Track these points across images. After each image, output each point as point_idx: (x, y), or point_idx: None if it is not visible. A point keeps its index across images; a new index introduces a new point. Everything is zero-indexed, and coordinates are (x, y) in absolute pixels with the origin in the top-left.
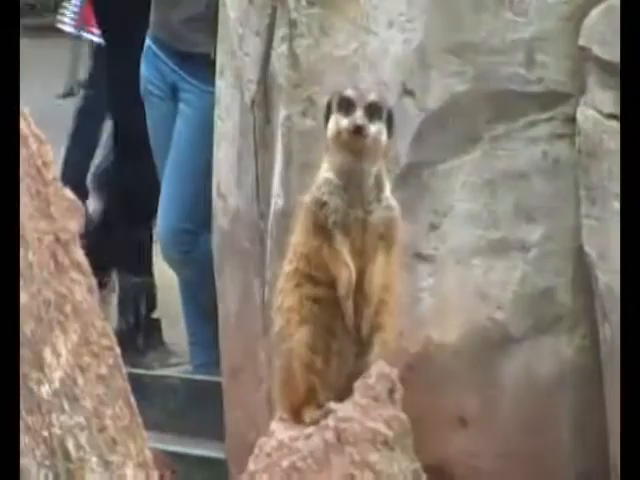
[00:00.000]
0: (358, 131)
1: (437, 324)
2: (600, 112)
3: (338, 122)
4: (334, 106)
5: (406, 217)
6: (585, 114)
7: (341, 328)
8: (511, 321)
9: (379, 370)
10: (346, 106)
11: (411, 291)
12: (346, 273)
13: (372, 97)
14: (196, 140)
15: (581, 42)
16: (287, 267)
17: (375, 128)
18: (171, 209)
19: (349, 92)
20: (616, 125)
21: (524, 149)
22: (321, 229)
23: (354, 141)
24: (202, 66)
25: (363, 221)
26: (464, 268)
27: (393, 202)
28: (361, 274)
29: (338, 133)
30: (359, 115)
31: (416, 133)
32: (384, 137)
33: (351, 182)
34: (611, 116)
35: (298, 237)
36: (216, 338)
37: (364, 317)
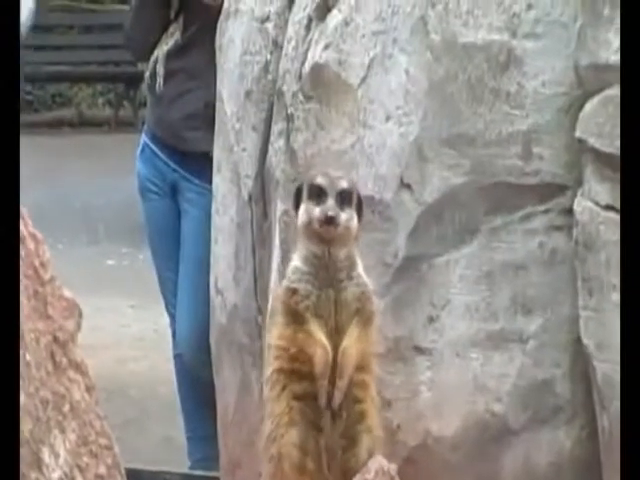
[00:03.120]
0: (330, 222)
1: (436, 417)
2: (597, 203)
3: (309, 211)
4: (304, 194)
5: (404, 310)
6: (582, 205)
7: (328, 422)
8: (510, 413)
9: (378, 465)
10: (317, 194)
11: (409, 384)
12: (321, 351)
13: (343, 184)
14: (206, 240)
15: (578, 134)
16: (268, 371)
17: (346, 215)
18: (191, 313)
19: (320, 180)
20: (613, 216)
21: (521, 241)
22: (294, 316)
23: (325, 231)
24: (203, 164)
25: (335, 301)
26: (462, 360)
27: (365, 278)
28: (336, 352)
29: (309, 222)
30: (331, 205)
31: (414, 226)
32: (355, 223)
33: (320, 266)
34: (608, 207)
35: (274, 332)
36: (214, 433)
37: (337, 388)
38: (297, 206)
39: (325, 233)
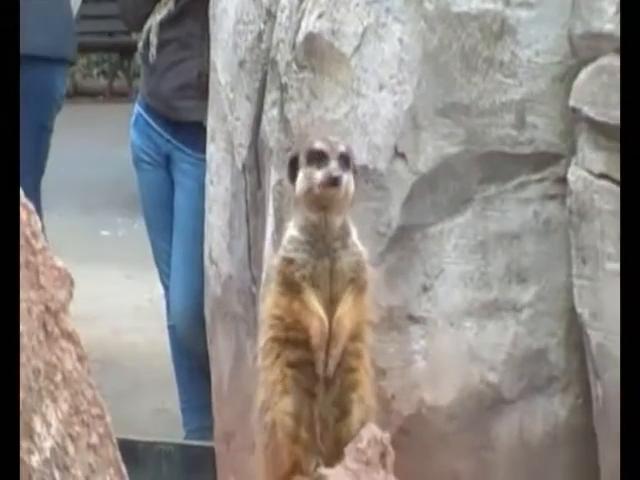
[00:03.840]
0: (335, 182)
1: (430, 386)
2: (591, 172)
3: (310, 176)
4: (302, 160)
5: (398, 280)
6: (576, 174)
7: (322, 390)
8: (504, 382)
9: (370, 434)
10: (317, 159)
11: (403, 354)
12: (317, 323)
13: (342, 148)
14: (200, 211)
15: (572, 103)
16: (262, 340)
17: (347, 177)
18: (185, 287)
19: (320, 145)
20: (607, 185)
21: (515, 210)
22: (290, 285)
23: (327, 193)
24: (196, 134)
25: (330, 270)
26: (456, 330)
27: (360, 246)
28: (331, 320)
29: (309, 188)
30: (334, 166)
31: (408, 195)
32: (352, 188)
33: (317, 236)
34: (602, 176)
35: (269, 301)
36: (209, 403)
37: (331, 356)
38: (292, 176)
39: (327, 195)
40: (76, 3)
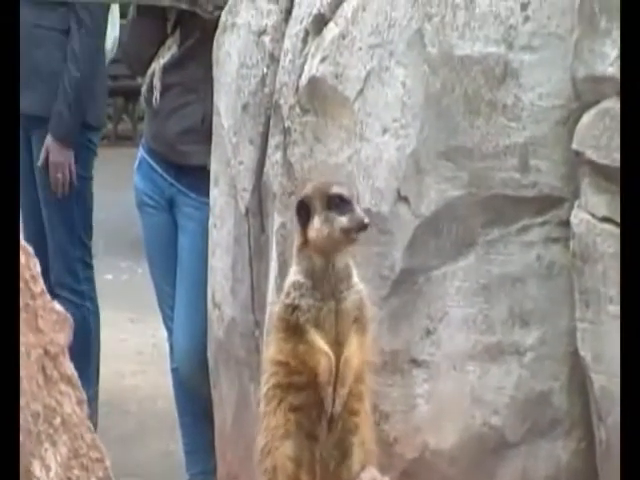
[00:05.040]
0: (366, 228)
1: (433, 430)
2: (594, 215)
3: (333, 221)
4: (317, 205)
5: (401, 323)
6: (579, 218)
7: (324, 432)
8: (507, 426)
9: (370, 477)
10: (337, 204)
11: (407, 397)
12: (325, 360)
13: (355, 192)
14: (203, 255)
15: (574, 146)
16: (264, 387)
17: None
18: (188, 330)
19: (339, 189)
20: (610, 228)
21: (518, 253)
22: (294, 330)
23: (352, 239)
24: (200, 178)
25: (336, 312)
26: (459, 373)
27: (360, 284)
28: (339, 361)
29: (330, 233)
30: (361, 212)
31: (411, 239)
32: None
33: (322, 280)
34: (605, 219)
35: (272, 348)
36: (212, 446)
37: (339, 395)
38: (302, 221)
39: (346, 242)
40: (112, 51)
